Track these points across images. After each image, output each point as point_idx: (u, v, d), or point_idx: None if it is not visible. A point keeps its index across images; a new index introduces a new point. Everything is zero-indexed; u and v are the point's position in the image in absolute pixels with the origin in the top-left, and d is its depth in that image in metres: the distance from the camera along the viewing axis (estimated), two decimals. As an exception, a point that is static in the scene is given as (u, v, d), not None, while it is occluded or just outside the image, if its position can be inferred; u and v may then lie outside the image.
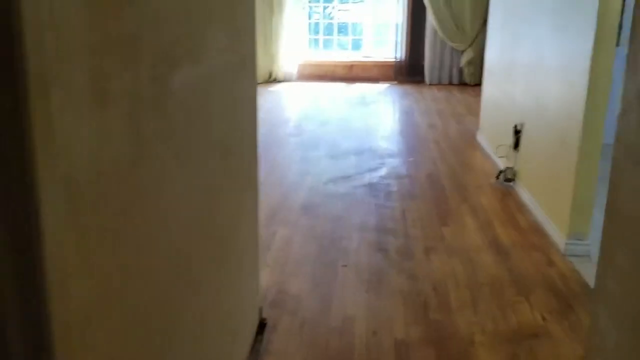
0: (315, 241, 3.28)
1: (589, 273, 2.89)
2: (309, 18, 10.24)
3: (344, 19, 9.88)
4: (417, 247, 3.22)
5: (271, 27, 8.61)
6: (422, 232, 3.41)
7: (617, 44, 3.02)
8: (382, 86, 8.59)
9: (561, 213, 3.24)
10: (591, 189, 3.11)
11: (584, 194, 3.11)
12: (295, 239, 3.31)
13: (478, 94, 7.85)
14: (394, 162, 4.90)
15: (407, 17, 8.57)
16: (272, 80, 8.85)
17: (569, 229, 3.15)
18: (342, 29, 9.85)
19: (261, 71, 8.73)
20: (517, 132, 4.16)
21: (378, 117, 6.52)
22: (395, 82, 8.85)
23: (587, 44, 2.97)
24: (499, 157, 4.55)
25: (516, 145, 4.16)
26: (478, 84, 8.52)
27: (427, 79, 8.69)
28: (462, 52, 8.50)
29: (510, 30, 4.62)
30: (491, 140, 5.03)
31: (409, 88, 8.43)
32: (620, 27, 3.67)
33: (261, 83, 8.75)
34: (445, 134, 5.77)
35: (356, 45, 9.74)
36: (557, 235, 3.28)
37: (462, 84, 8.65)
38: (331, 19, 9.90)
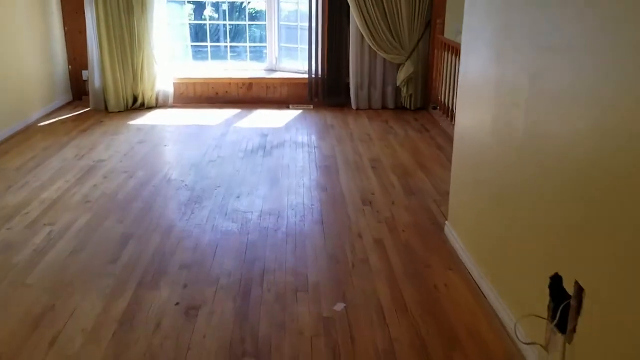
0: None
1: None
2: (192, 18, 7.71)
3: (239, 19, 7.44)
4: None
5: (132, 30, 6.04)
6: None
7: None
8: (292, 113, 6.24)
9: None
10: None
11: None
12: None
13: (423, 127, 5.70)
14: (306, 313, 2.58)
15: (323, 18, 6.26)
16: (137, 106, 6.28)
17: None
18: (238, 33, 7.41)
19: (121, 94, 6.14)
20: (576, 296, 1.92)
21: (279, 186, 4.16)
22: (311, 107, 6.53)
23: None
24: (524, 342, 2.33)
25: (565, 322, 1.93)
26: (420, 108, 6.36)
27: (353, 101, 6.43)
28: (399, 66, 6.31)
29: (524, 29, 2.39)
30: (481, 253, 2.81)
31: (329, 116, 6.13)
32: None
33: (121, 112, 6.16)
34: (391, 224, 3.50)
35: (257, 55, 7.33)
36: None
37: (400, 108, 6.46)
38: (223, 19, 7.43)
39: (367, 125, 5.80)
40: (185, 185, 4.06)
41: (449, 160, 4.65)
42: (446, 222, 3.33)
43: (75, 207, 3.64)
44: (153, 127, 5.59)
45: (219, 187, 4.03)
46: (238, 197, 3.85)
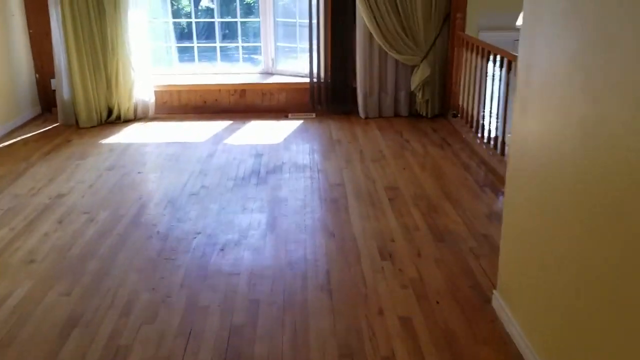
0: None
1: None
2: (174, 14, 6.88)
3: (229, 16, 6.61)
4: None
5: (104, 32, 5.22)
6: None
7: None
8: (292, 125, 5.42)
9: None
10: None
11: None
12: None
13: (444, 140, 4.88)
14: None
15: (326, 14, 5.42)
16: (113, 120, 5.47)
17: None
18: (229, 31, 6.57)
19: (93, 106, 5.33)
20: None
21: (275, 232, 3.36)
22: (313, 115, 5.71)
23: None
24: None
25: None
26: (438, 115, 5.54)
27: (361, 109, 5.60)
28: (413, 68, 5.47)
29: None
30: (553, 345, 2.00)
31: (334, 127, 5.31)
32: None
33: (94, 127, 5.35)
34: (420, 290, 2.69)
35: (251, 57, 6.49)
36: None
37: (415, 116, 5.63)
38: (211, 16, 6.58)
39: (378, 138, 4.97)
40: (158, 232, 3.25)
41: (480, 184, 3.83)
42: (494, 291, 2.51)
43: (15, 271, 2.84)
44: (128, 147, 4.77)
45: (199, 233, 3.22)
46: (222, 249, 3.04)
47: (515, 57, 4.08)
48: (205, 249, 3.04)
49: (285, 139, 4.97)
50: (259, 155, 4.53)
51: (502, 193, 3.74)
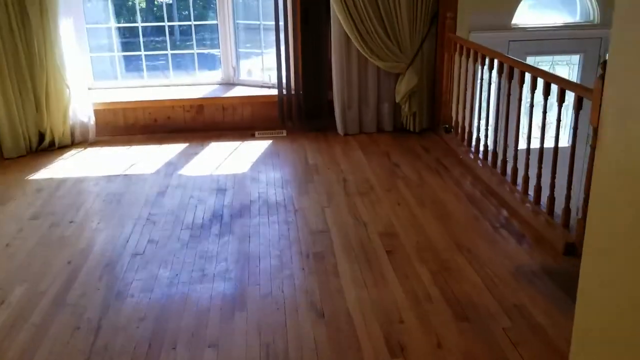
0: None
1: None
2: (118, 18, 6.02)
3: (182, 18, 5.75)
4: None
5: (30, 42, 4.32)
6: None
7: None
8: (259, 146, 4.63)
9: None
10: None
11: None
12: None
13: (439, 162, 4.17)
14: None
15: (295, 14, 4.64)
16: (46, 147, 4.58)
17: None
18: (183, 36, 5.72)
19: (21, 132, 4.44)
20: None
21: (243, 314, 2.59)
22: (284, 133, 4.92)
23: None
24: None
25: None
26: (427, 129, 4.83)
27: (339, 125, 4.84)
28: (398, 76, 4.74)
29: None
30: None
31: (309, 148, 4.54)
32: None
33: (22, 157, 4.46)
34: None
35: (209, 64, 5.66)
36: None
37: (400, 130, 4.90)
38: (160, 19, 5.72)
39: (362, 162, 4.23)
40: (88, 319, 2.44)
41: (493, 224, 3.12)
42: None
43: None
44: (60, 184, 3.91)
45: (143, 319, 2.42)
46: (174, 348, 2.25)
47: (530, 68, 3.37)
48: (152, 346, 2.24)
49: (252, 167, 4.18)
50: (221, 191, 3.73)
51: (522, 236, 3.04)
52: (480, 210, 3.40)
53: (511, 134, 3.73)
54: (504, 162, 3.68)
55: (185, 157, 4.37)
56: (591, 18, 5.17)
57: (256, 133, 4.92)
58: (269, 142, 4.73)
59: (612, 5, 1.31)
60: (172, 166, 4.19)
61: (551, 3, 5.30)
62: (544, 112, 3.18)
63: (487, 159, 3.97)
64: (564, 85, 3.05)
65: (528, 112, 3.38)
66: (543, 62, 5.24)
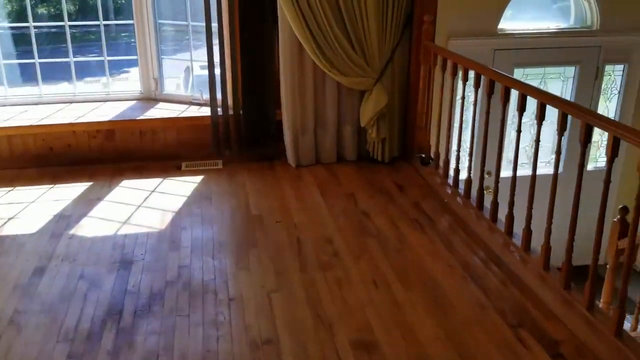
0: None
1: None
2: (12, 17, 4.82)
3: (89, 17, 4.59)
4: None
5: None
6: None
7: None
8: (186, 186, 3.57)
9: None
10: None
11: None
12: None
13: (419, 209, 3.23)
14: None
15: (232, 14, 3.59)
16: None
17: None
18: (85, 39, 4.56)
19: None
20: None
21: None
22: (219, 165, 3.88)
23: None
24: None
25: None
26: (400, 158, 3.90)
27: (290, 154, 3.83)
28: (364, 94, 3.76)
29: None
30: None
31: (251, 187, 3.52)
32: None
33: None
34: None
35: (124, 75, 4.52)
36: None
37: (367, 160, 3.94)
38: (58, 18, 4.52)
39: (321, 208, 3.25)
40: None
41: (508, 320, 2.19)
42: None
43: None
44: None
45: None
46: None
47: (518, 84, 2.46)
48: None
49: (173, 220, 3.13)
50: (125, 265, 2.67)
51: (555, 344, 2.13)
52: (485, 292, 2.48)
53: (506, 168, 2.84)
54: (511, 217, 2.76)
55: (84, 205, 3.27)
56: (589, 23, 4.34)
57: (183, 165, 3.86)
58: (200, 177, 3.68)
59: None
60: (64, 221, 3.08)
61: (543, 4, 4.44)
62: (558, 152, 2.33)
63: (481, 207, 3.06)
64: (596, 122, 2.16)
65: (532, 143, 2.50)
66: (532, 76, 4.39)
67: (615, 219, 2.94)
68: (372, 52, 3.60)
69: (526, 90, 2.61)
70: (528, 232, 2.62)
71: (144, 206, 3.27)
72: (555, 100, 2.46)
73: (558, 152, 2.41)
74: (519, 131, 2.66)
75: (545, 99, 2.48)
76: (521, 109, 2.64)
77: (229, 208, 3.29)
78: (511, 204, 2.75)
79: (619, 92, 4.56)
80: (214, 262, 2.70)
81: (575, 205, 2.27)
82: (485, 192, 3.04)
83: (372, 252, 2.79)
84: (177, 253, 2.77)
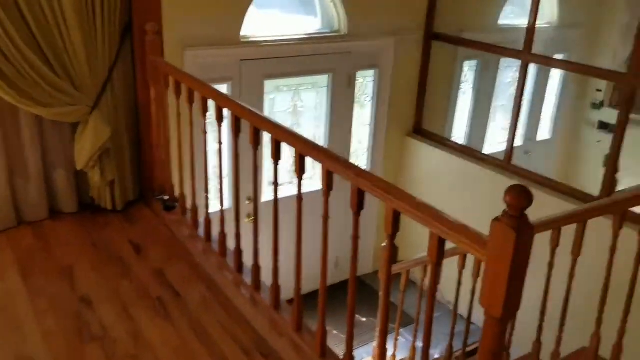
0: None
1: None
2: None
3: None
4: None
5: None
6: None
7: None
8: None
9: None
10: None
11: None
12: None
13: (164, 281, 2.50)
14: None
15: None
16: None
17: None
18: None
19: None
20: None
21: None
22: None
23: None
24: None
25: None
26: (139, 200, 3.10)
27: (-25, 218, 2.74)
28: (77, 127, 2.84)
29: None
30: None
31: None
32: None
33: None
34: None
35: None
36: None
37: (93, 209, 3.03)
38: None
39: (19, 302, 2.29)
40: None
41: None
42: None
43: None
44: None
45: None
46: None
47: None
48: None
49: None
50: None
51: None
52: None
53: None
54: (258, 277, 2.17)
55: None
56: (336, 27, 3.99)
57: None
58: None
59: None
60: None
61: (289, 5, 3.96)
62: (275, 183, 1.78)
63: (240, 269, 2.43)
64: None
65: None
66: (285, 88, 3.91)
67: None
68: (80, 72, 2.70)
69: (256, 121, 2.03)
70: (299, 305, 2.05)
71: None
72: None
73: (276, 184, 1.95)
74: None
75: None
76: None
77: None
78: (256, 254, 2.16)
79: (372, 98, 4.34)
80: None
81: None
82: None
83: (94, 371, 1.96)
84: None
